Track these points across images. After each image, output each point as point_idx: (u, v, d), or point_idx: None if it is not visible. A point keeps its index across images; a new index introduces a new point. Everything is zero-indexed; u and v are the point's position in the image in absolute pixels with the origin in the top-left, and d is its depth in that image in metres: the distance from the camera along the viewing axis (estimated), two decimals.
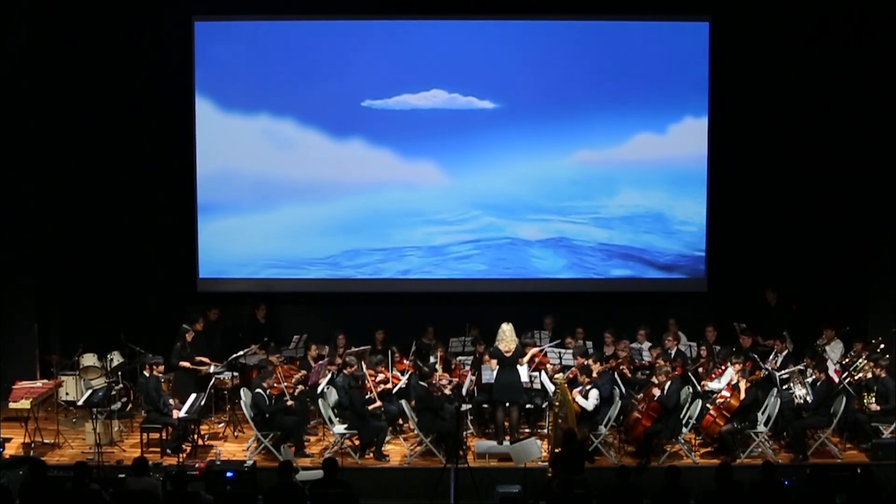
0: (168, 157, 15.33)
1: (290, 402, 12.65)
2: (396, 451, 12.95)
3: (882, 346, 13.50)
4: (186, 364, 13.58)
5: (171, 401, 12.78)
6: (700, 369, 13.56)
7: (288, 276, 15.50)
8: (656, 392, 12.41)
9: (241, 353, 13.94)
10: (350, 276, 15.49)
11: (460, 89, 15.18)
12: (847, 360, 13.55)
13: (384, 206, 15.37)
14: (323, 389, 13.04)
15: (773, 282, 14.91)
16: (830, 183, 15.25)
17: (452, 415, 12.21)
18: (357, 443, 12.78)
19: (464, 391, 13.08)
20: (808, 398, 12.59)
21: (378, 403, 12.76)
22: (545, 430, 13.20)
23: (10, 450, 12.68)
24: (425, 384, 12.85)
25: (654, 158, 15.35)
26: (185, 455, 12.44)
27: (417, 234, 15.42)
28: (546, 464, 12.00)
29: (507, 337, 12.88)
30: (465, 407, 13.02)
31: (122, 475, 10.99)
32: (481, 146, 15.27)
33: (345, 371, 12.95)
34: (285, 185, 15.34)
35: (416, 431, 12.78)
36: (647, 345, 14.12)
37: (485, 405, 13.48)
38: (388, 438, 13.00)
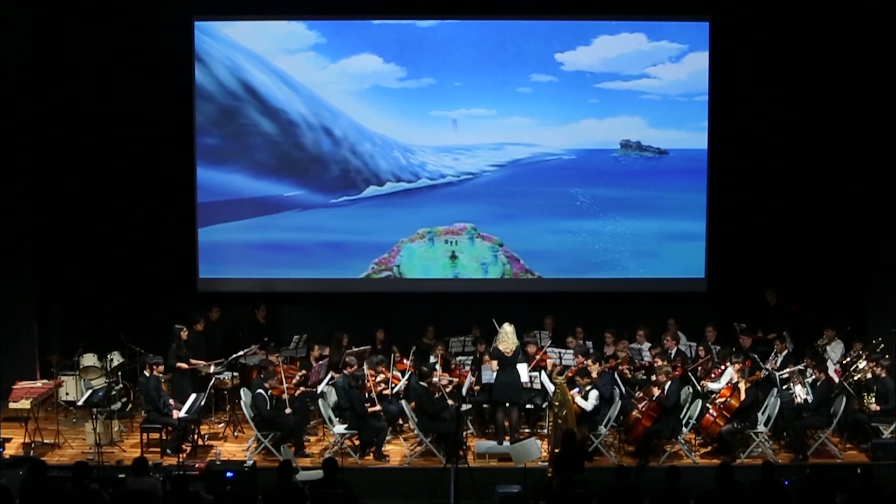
0: (168, 158, 15.33)
1: (288, 411, 12.63)
2: (396, 451, 12.95)
3: (882, 346, 13.51)
4: (183, 365, 13.56)
5: (170, 401, 12.78)
6: (699, 369, 13.56)
7: (288, 276, 15.51)
8: (656, 392, 12.42)
9: (241, 353, 13.94)
10: (349, 277, 15.51)
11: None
12: (847, 360, 13.55)
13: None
14: (323, 390, 13.04)
15: (772, 282, 14.91)
16: (831, 183, 15.25)
17: (452, 415, 12.21)
18: (357, 443, 12.78)
19: (464, 391, 13.08)
20: (808, 398, 12.59)
21: (377, 408, 12.75)
22: (545, 430, 13.20)
23: (10, 450, 12.68)
24: (425, 384, 12.84)
25: (654, 158, 15.37)
26: (185, 455, 12.44)
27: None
28: (546, 464, 12.01)
29: (508, 338, 12.87)
30: (465, 407, 13.02)
31: (122, 475, 11.00)
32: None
33: (345, 371, 12.95)
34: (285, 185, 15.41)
35: (416, 431, 12.78)
36: (646, 345, 14.12)
37: (485, 405, 13.49)
38: (388, 438, 13.00)
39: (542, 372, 13.21)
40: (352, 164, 15.37)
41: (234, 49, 15.17)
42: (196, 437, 13.01)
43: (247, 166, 15.32)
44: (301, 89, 15.25)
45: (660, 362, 12.88)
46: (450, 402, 12.57)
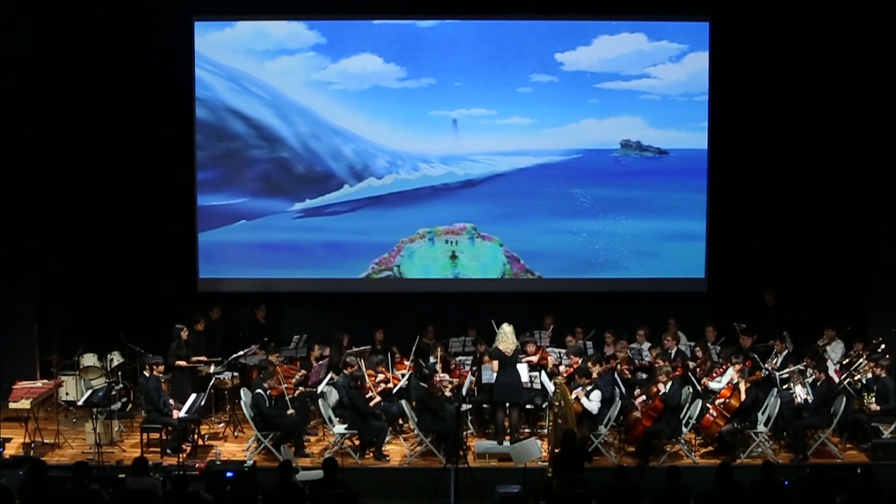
0: (168, 157, 15.33)
1: (290, 412, 12.63)
2: (396, 451, 12.95)
3: (882, 346, 13.50)
4: (183, 363, 13.57)
5: (170, 401, 12.78)
6: (699, 369, 13.56)
7: (288, 276, 15.50)
8: (660, 389, 12.40)
9: (241, 353, 13.94)
10: (349, 277, 15.51)
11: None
12: (847, 360, 13.55)
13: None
14: (323, 390, 13.04)
15: (771, 282, 14.91)
16: (830, 183, 15.25)
17: (452, 415, 12.20)
18: (357, 443, 12.78)
19: (464, 391, 13.07)
20: (808, 398, 12.59)
21: (378, 399, 12.77)
22: (545, 430, 13.20)
23: (10, 450, 12.68)
24: (425, 384, 12.84)
25: (654, 158, 15.37)
26: (185, 455, 12.43)
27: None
28: (546, 464, 12.01)
29: (507, 338, 12.87)
30: (465, 407, 13.02)
31: (122, 475, 10.99)
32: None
33: (345, 371, 12.95)
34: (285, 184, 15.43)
35: (416, 431, 12.78)
36: (646, 345, 14.12)
37: (485, 405, 13.48)
38: (388, 438, 13.00)
39: (542, 372, 13.21)
40: (350, 180, 15.40)
41: (228, 74, 15.18)
42: (196, 437, 13.00)
43: (244, 189, 15.36)
44: (296, 108, 15.25)
45: (660, 362, 12.88)
46: (451, 401, 12.56)
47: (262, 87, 15.25)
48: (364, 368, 13.02)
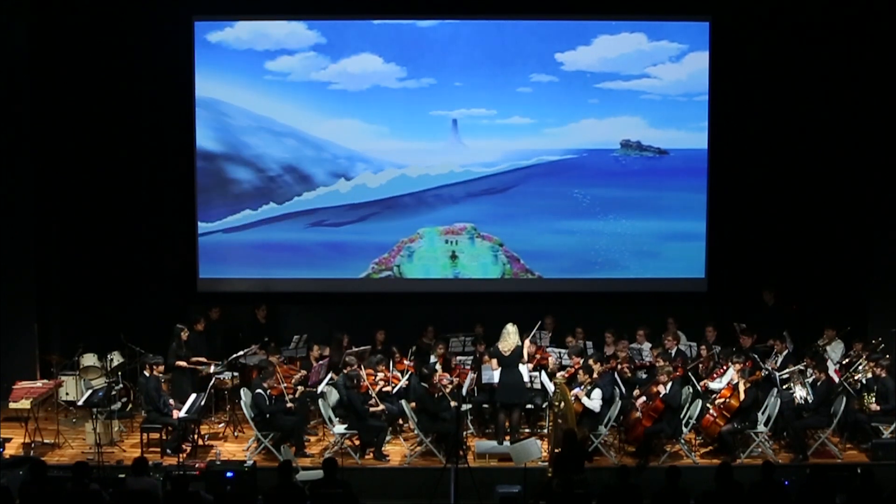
0: (168, 157, 15.33)
1: (290, 405, 12.64)
2: (396, 451, 12.95)
3: (882, 346, 13.51)
4: (183, 364, 13.57)
5: (170, 401, 12.78)
6: (700, 367, 13.56)
7: (288, 276, 15.50)
8: (659, 390, 12.40)
9: (241, 353, 13.94)
10: (349, 277, 15.51)
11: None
12: (847, 360, 13.55)
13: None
14: (323, 390, 13.05)
15: (771, 282, 14.91)
16: (830, 183, 15.25)
17: (452, 415, 12.21)
18: (357, 443, 12.78)
19: (464, 391, 13.07)
20: (808, 398, 12.59)
21: (381, 407, 12.75)
22: (545, 430, 13.20)
23: (10, 450, 12.68)
24: (426, 385, 12.84)
25: (654, 158, 15.37)
26: (185, 455, 12.44)
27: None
28: (546, 464, 12.01)
29: (509, 337, 12.87)
30: (465, 407, 13.02)
31: (122, 475, 11.00)
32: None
33: (344, 371, 12.95)
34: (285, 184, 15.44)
35: (416, 431, 12.78)
36: (647, 345, 14.11)
37: (485, 405, 13.48)
38: (388, 438, 13.00)
39: (543, 372, 13.21)
40: (349, 179, 15.43)
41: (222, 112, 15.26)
42: (196, 437, 13.00)
43: (244, 191, 15.38)
44: (296, 107, 15.25)
45: (661, 362, 12.88)
46: (452, 402, 12.56)
47: (259, 88, 15.24)
48: (361, 368, 13.01)
